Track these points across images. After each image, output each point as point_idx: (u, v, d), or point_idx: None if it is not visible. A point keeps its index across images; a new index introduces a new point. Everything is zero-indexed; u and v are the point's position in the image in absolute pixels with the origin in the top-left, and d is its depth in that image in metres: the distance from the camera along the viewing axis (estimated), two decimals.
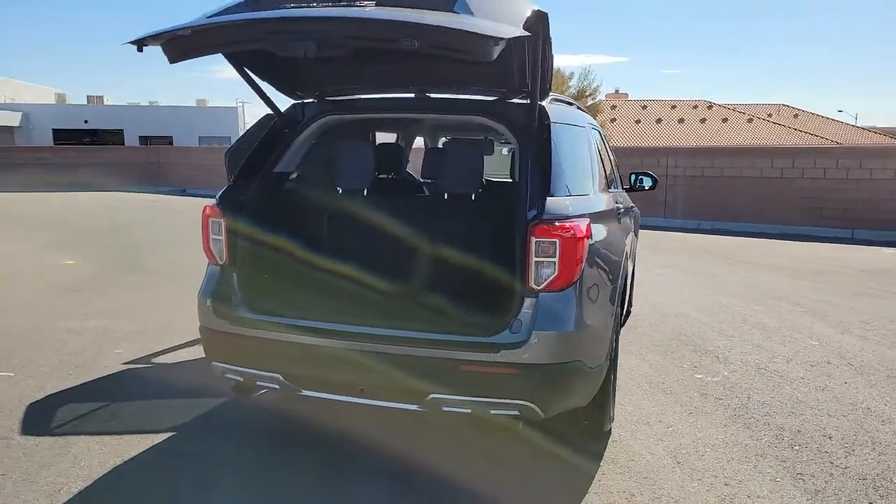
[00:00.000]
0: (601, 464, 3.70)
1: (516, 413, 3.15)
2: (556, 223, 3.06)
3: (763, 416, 4.40)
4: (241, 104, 50.98)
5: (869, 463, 3.75)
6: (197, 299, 3.61)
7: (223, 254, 3.56)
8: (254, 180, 3.71)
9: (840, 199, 14.67)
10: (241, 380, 3.53)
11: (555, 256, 3.06)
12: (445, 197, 3.83)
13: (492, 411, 3.17)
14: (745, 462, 3.75)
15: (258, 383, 3.51)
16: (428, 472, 3.57)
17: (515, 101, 3.64)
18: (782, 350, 5.90)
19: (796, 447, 3.95)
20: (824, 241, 13.71)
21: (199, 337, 3.65)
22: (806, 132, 40.62)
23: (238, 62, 3.57)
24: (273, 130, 3.84)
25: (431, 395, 3.14)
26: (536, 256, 3.07)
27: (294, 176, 4.22)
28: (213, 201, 3.63)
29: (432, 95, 3.83)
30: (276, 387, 3.44)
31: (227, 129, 44.62)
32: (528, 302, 3.12)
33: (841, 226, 14.54)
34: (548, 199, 3.16)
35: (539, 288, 3.10)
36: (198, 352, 5.54)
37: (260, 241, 3.74)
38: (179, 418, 4.26)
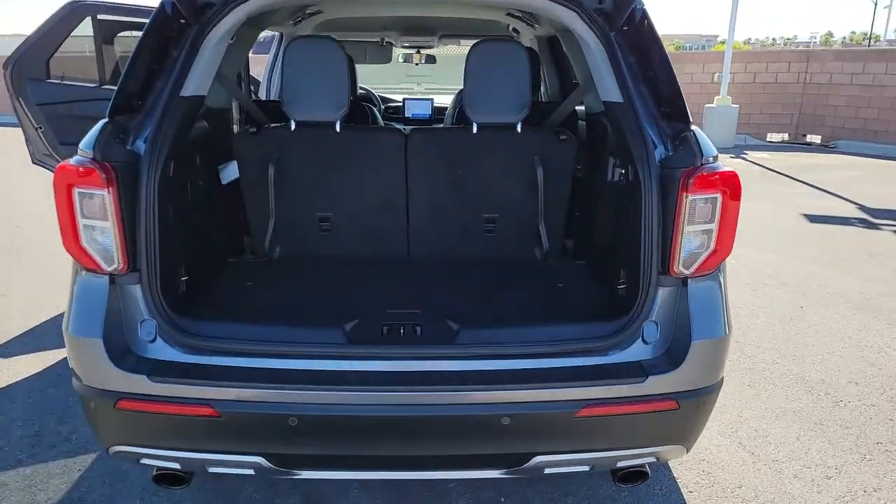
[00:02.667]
0: (677, 473, 2.84)
1: (652, 460, 2.11)
2: (719, 170, 1.96)
3: (773, 366, 3.86)
4: None
5: None
6: (68, 340, 1.98)
7: (116, 252, 1.94)
8: (150, 114, 2.06)
9: None
10: (179, 466, 2.04)
11: (713, 221, 1.99)
12: (475, 130, 2.50)
13: (620, 464, 2.09)
14: (815, 437, 3.13)
15: (211, 470, 2.05)
16: None
17: None
18: None
19: (840, 404, 3.44)
20: None
21: (84, 408, 2.03)
22: None
23: None
24: (162, 22, 2.14)
25: (536, 459, 1.98)
26: (690, 223, 1.97)
27: (213, 102, 2.64)
28: (75, 158, 1.94)
29: None
30: (250, 472, 2.02)
31: None
32: (666, 293, 2.04)
33: None
34: (693, 131, 2.04)
35: (689, 271, 2.01)
36: None
37: (183, 220, 2.18)
38: None
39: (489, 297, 2.41)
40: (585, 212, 2.83)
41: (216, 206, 2.71)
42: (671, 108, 2.09)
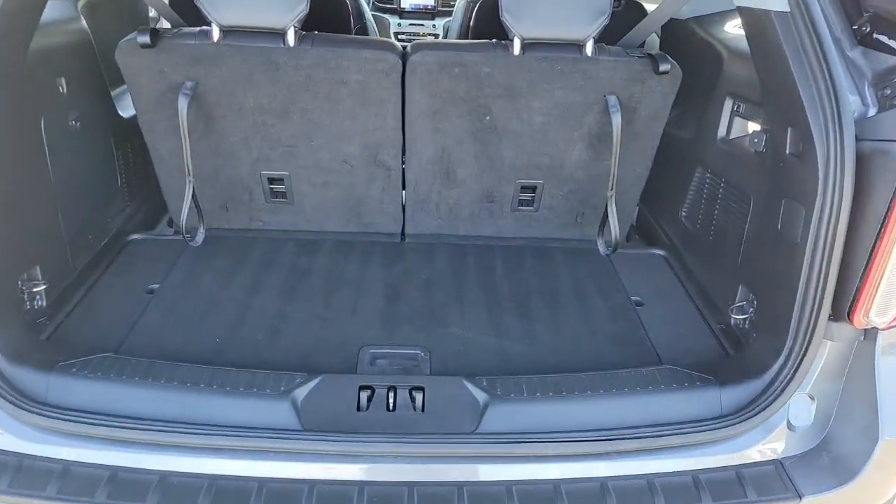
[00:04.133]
0: None
1: None
2: None
3: None
4: None
5: None
6: None
7: None
8: None
9: None
10: None
11: None
12: (517, 49, 1.56)
13: None
14: None
15: None
16: None
17: None
18: None
19: None
20: None
21: None
22: None
23: None
24: None
25: None
26: None
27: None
28: None
29: None
30: None
31: None
32: (836, 352, 1.24)
33: None
34: None
35: (882, 321, 1.19)
36: None
37: (27, 187, 1.36)
38: None
39: (529, 325, 1.58)
40: (666, 176, 1.95)
41: (108, 154, 1.81)
42: (877, 26, 1.18)
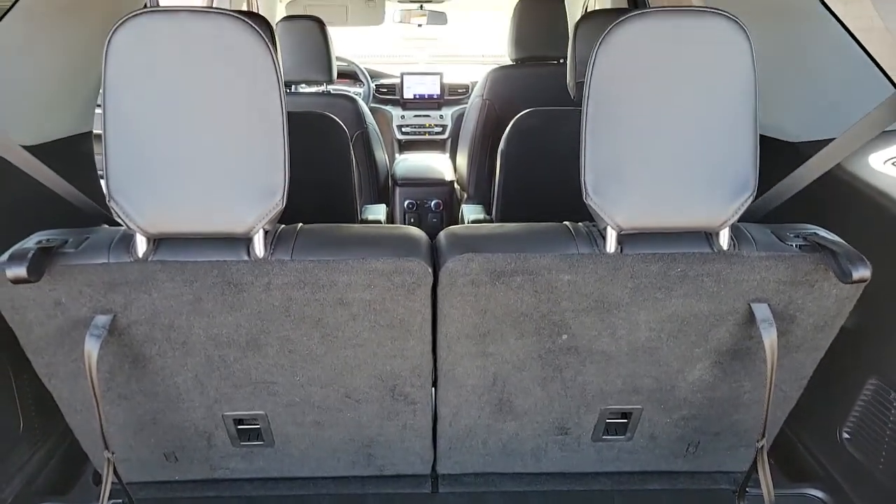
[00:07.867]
0: None
1: None
2: None
3: None
4: None
5: None
6: None
7: None
8: None
9: None
10: None
11: None
12: (611, 246, 1.01)
13: None
14: None
15: None
16: None
17: None
18: None
19: None
20: None
21: None
22: None
23: None
24: None
25: None
26: None
27: None
28: None
29: None
30: None
31: None
32: None
33: None
34: None
35: None
36: None
37: None
38: None
39: None
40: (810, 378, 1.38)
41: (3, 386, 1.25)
42: None
